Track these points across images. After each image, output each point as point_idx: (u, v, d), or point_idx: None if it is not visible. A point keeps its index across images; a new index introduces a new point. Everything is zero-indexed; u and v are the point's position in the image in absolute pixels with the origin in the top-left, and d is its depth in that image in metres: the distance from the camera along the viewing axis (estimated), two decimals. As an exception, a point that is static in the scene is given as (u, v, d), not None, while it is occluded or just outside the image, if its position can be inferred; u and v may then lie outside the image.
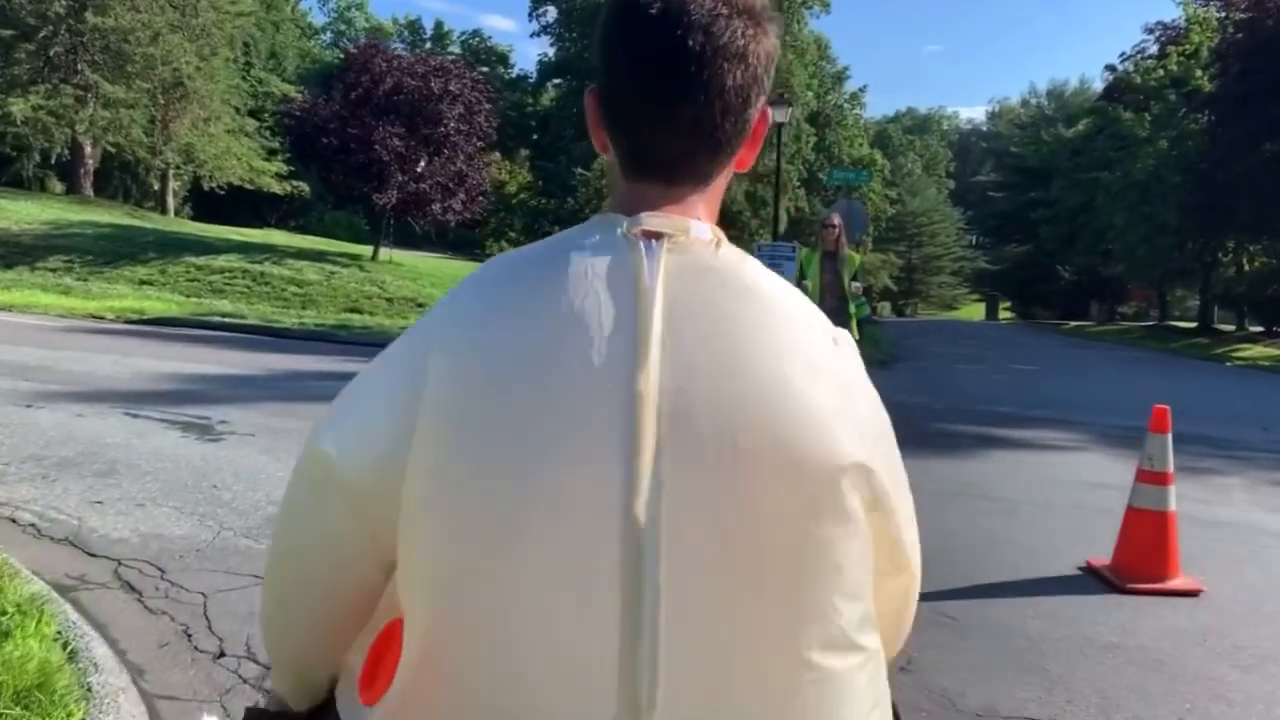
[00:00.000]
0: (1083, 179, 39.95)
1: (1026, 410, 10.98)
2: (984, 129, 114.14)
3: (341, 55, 26.08)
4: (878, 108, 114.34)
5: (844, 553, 0.90)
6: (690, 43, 0.94)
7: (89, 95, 28.46)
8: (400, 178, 23.41)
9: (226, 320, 15.35)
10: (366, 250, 26.21)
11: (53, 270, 20.94)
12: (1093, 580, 4.79)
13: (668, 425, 0.86)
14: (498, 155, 56.84)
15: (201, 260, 22.48)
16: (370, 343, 14.08)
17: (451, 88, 23.92)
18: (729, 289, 0.93)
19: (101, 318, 14.75)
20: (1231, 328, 44.66)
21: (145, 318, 14.96)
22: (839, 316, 8.90)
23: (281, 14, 50.46)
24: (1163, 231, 33.51)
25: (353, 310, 20.39)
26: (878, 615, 0.97)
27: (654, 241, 0.94)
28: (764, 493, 0.87)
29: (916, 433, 8.77)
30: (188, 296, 20.25)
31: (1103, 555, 4.99)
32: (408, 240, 43.98)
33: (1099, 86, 78.78)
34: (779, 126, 19.57)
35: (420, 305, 21.23)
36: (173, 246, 23.51)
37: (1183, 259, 35.73)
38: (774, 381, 0.89)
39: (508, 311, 0.92)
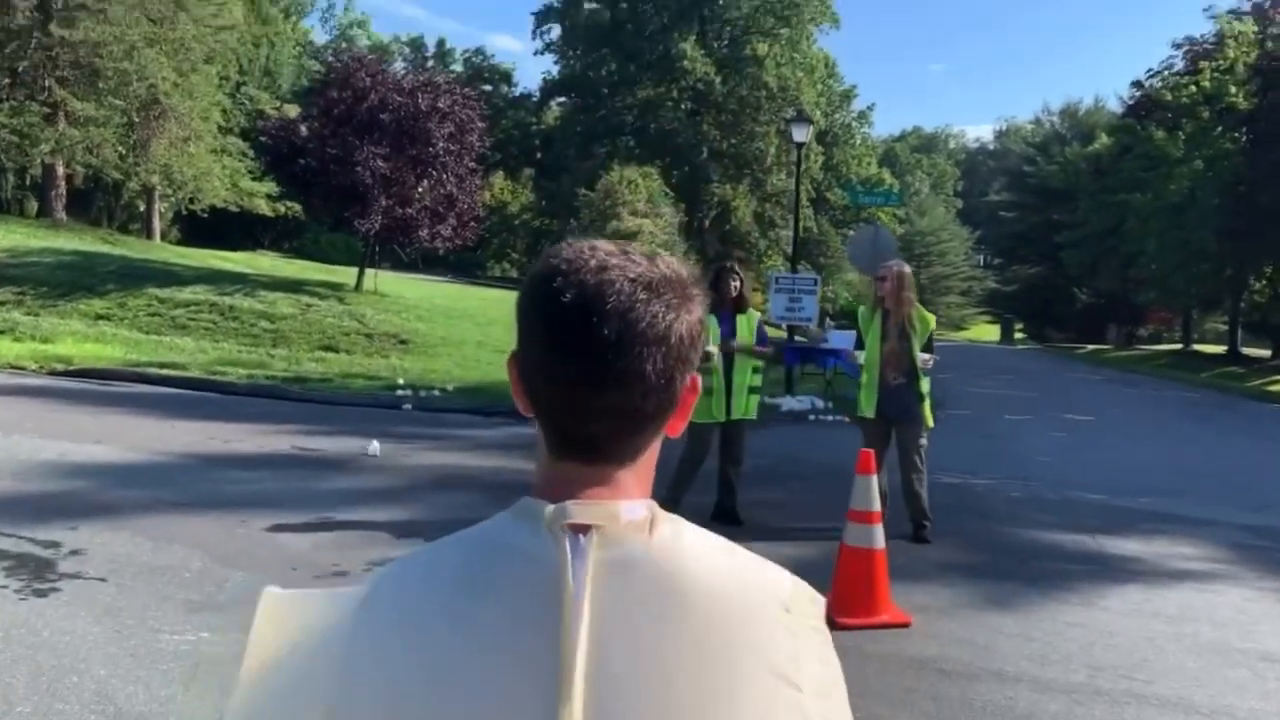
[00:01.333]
0: (1110, 200, 37.94)
1: (1124, 498, 8.97)
2: (991, 148, 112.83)
3: (322, 70, 24.17)
4: (884, 126, 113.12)
5: None
6: (606, 331, 0.90)
7: (57, 113, 26.66)
8: (384, 201, 21.52)
9: (164, 373, 13.36)
10: (351, 277, 24.29)
11: (1, 304, 19.08)
12: None
13: None
14: (500, 174, 55.27)
15: (165, 292, 20.59)
16: (324, 400, 12.11)
17: (440, 104, 22.03)
18: (661, 591, 0.87)
19: (21, 368, 12.82)
20: (1266, 353, 42.68)
21: (72, 368, 13.02)
22: (905, 396, 6.75)
23: (279, 30, 48.80)
24: (1201, 257, 31.50)
25: (328, 348, 18.47)
26: None
27: (581, 536, 0.88)
28: None
29: (1005, 552, 6.75)
30: (146, 333, 18.37)
31: None
32: (404, 262, 42.21)
33: (1114, 105, 77.40)
34: (798, 146, 17.70)
35: (403, 342, 19.35)
36: (136, 276, 21.61)
37: (1218, 285, 33.70)
38: (703, 715, 0.84)
39: (419, 644, 0.86)
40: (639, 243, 24.26)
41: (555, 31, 57.34)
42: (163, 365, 13.76)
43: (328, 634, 0.92)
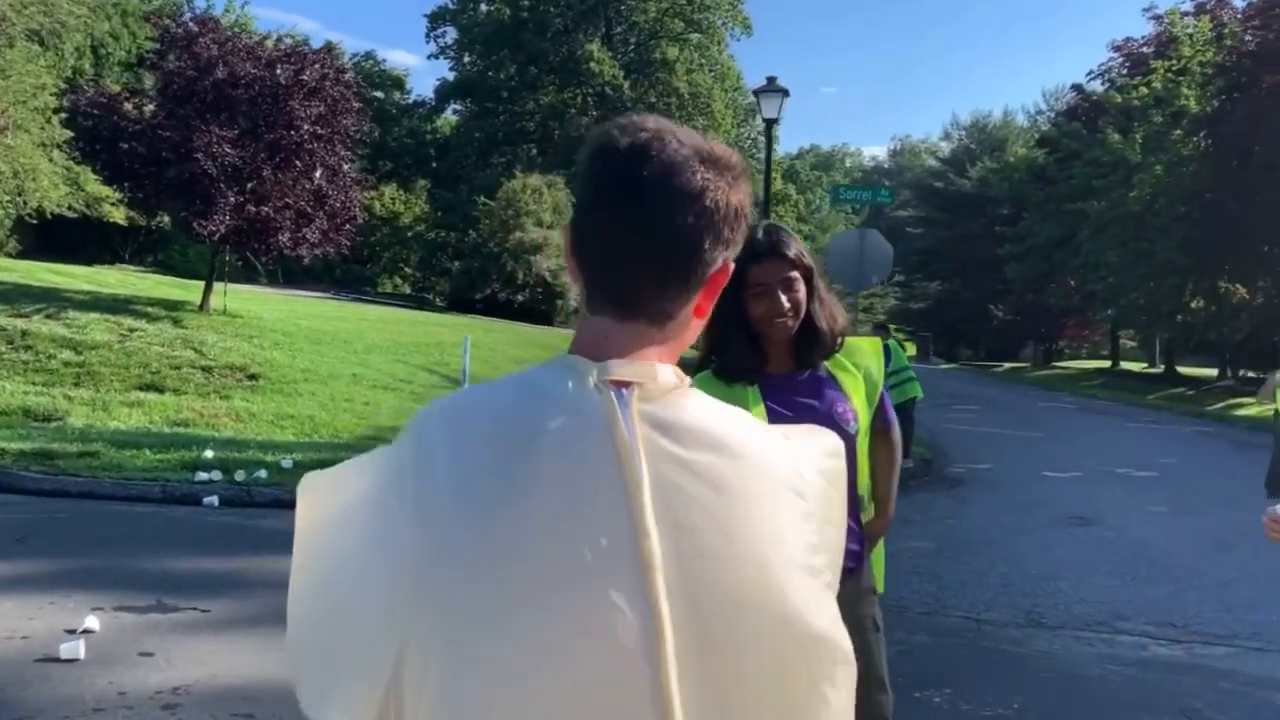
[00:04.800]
0: (1060, 210, 35.19)
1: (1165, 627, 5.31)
2: (886, 166, 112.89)
3: (156, 36, 19.54)
4: (782, 144, 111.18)
5: (833, 705, 0.97)
6: (645, 174, 0.98)
7: None
8: (234, 198, 17.06)
9: None
10: (195, 295, 19.65)
11: None
12: None
13: (678, 596, 0.89)
14: (392, 184, 50.52)
15: (-62, 314, 15.79)
16: (79, 493, 7.61)
17: (306, 78, 17.70)
18: (700, 442, 0.96)
19: None
20: (1207, 372, 40.66)
21: None
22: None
23: (137, 22, 43.27)
24: (1168, 269, 28.78)
25: (150, 387, 13.91)
26: None
27: (624, 390, 0.96)
28: (762, 659, 0.91)
29: None
30: (-103, 369, 13.63)
31: None
32: (289, 276, 37.26)
33: (1022, 120, 76.39)
34: (768, 123, 14.01)
35: (253, 377, 14.90)
36: (-97, 294, 16.74)
37: (1182, 300, 31.07)
38: (762, 545, 0.94)
39: (491, 488, 0.92)
40: (543, 256, 19.83)
41: (451, 35, 53.04)
42: None
43: (386, 491, 0.95)
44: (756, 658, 0.91)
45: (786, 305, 2.45)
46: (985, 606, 6.14)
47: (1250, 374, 37.28)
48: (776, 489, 0.97)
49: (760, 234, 2.50)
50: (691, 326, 1.05)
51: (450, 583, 0.87)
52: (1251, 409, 27.06)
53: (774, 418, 2.44)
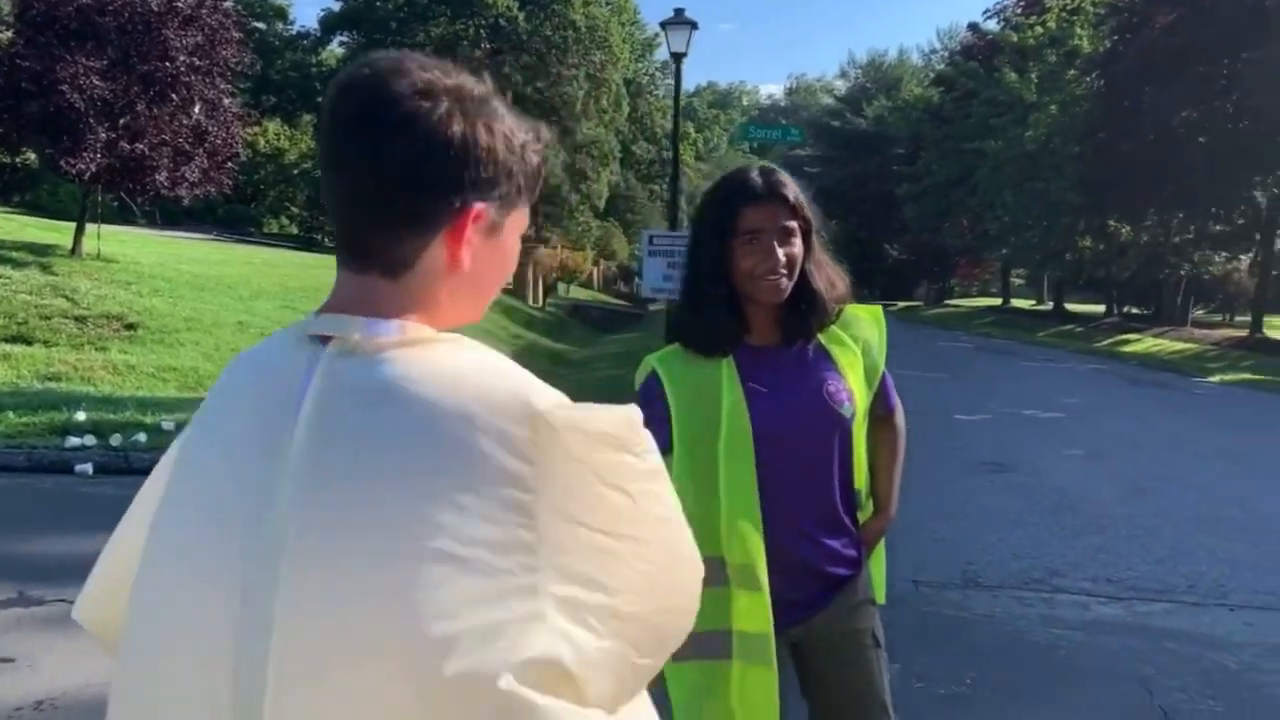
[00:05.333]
0: (957, 149, 35.47)
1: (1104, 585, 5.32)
2: (783, 104, 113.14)
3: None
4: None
5: None
6: (351, 107, 0.92)
7: None
8: (105, 134, 15.89)
9: None
10: (66, 238, 18.39)
11: None
12: None
13: (289, 567, 0.82)
14: (276, 120, 48.41)
15: None
16: None
17: (180, 4, 16.50)
18: (383, 408, 0.85)
19: None
20: (1093, 308, 41.85)
21: None
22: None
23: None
24: (1064, 210, 29.26)
25: (17, 339, 12.95)
26: None
27: (324, 346, 0.91)
28: (365, 672, 0.79)
29: None
30: None
31: None
32: (168, 217, 35.39)
33: (917, 59, 77.12)
34: (676, 58, 13.50)
35: (130, 326, 13.97)
36: None
37: (1074, 239, 31.72)
38: (403, 529, 0.81)
39: (211, 422, 0.94)
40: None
41: (336, -40, 50.69)
42: None
43: (189, 424, 0.99)
44: (368, 684, 0.79)
45: (782, 258, 2.04)
46: (920, 566, 5.94)
47: (1135, 310, 38.57)
48: (463, 460, 0.83)
49: (755, 174, 2.09)
50: (453, 280, 0.95)
51: (152, 526, 0.92)
52: (1138, 346, 27.91)
53: (753, 399, 2.06)
